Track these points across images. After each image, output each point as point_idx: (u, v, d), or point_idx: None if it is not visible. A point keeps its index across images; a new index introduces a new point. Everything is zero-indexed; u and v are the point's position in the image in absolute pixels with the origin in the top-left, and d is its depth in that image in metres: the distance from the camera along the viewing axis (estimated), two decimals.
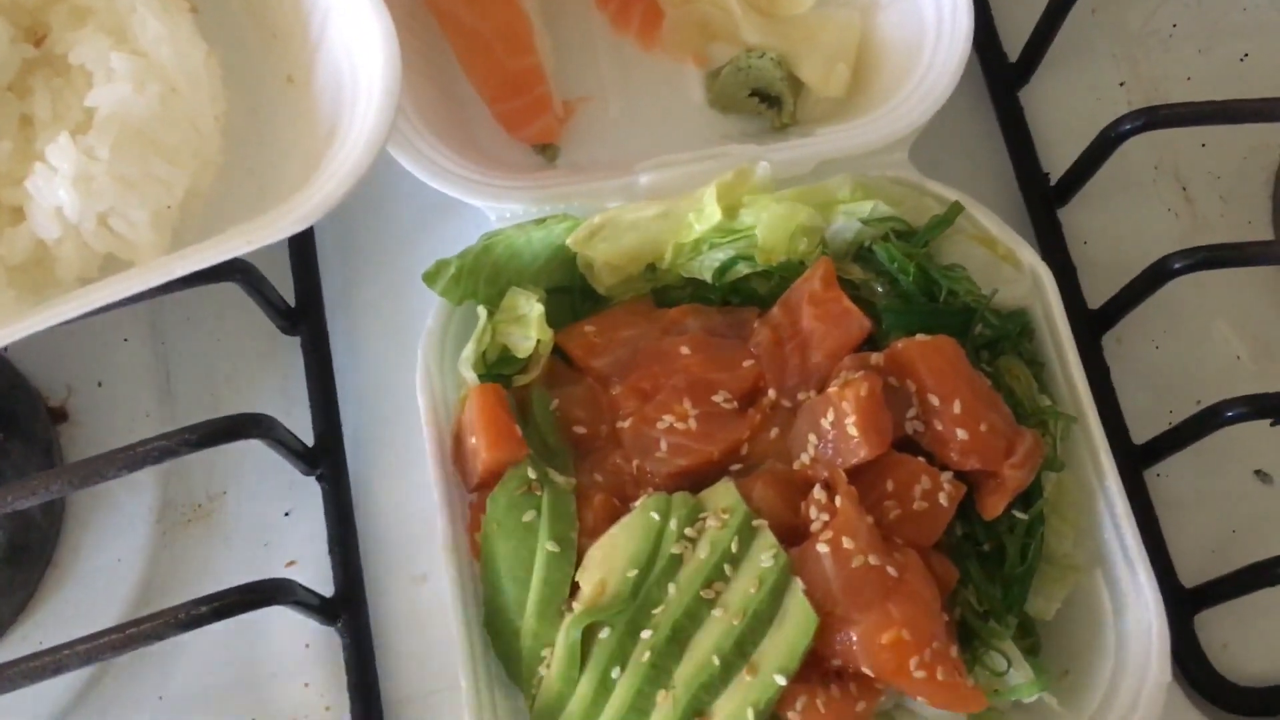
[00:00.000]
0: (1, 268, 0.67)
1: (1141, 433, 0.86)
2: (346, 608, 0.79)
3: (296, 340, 0.87)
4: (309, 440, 0.83)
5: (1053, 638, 0.76)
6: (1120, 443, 0.85)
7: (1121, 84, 1.00)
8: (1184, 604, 0.82)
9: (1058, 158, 0.94)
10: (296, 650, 0.81)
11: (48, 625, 0.80)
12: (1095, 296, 0.90)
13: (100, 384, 0.85)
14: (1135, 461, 0.85)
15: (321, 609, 0.77)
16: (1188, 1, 1.03)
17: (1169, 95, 0.99)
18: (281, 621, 0.81)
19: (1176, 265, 0.80)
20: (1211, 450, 0.84)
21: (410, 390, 0.80)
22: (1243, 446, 0.87)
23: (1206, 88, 0.99)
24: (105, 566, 0.81)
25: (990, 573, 0.72)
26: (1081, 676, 0.74)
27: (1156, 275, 0.82)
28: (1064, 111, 0.97)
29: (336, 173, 0.65)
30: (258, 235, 0.63)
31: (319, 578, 0.81)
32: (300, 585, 0.73)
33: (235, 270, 0.75)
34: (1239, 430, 0.78)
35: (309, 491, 0.84)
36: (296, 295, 0.86)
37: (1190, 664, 0.81)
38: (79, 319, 0.64)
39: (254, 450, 0.84)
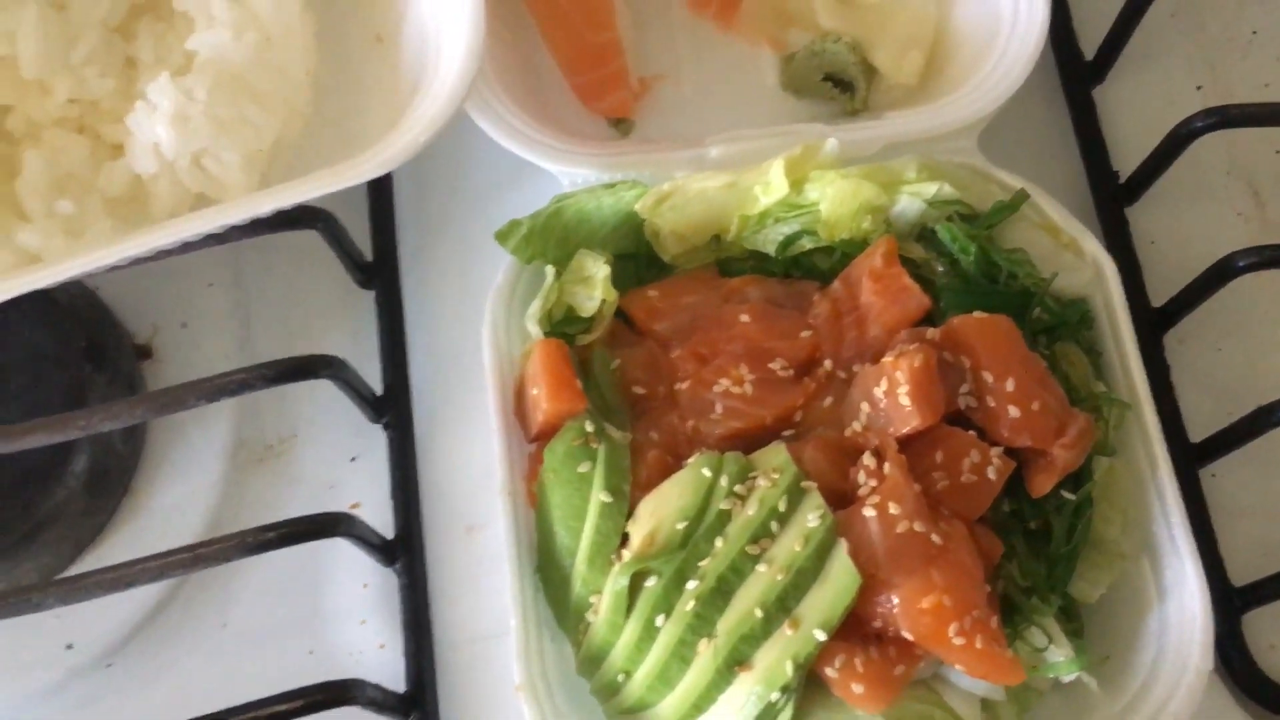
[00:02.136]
0: (100, 199, 0.70)
1: (1199, 434, 0.86)
2: (405, 551, 0.82)
3: (369, 295, 0.90)
4: (378, 390, 0.86)
5: (1095, 623, 0.76)
6: (1177, 440, 0.85)
7: (1198, 88, 1.00)
8: (1232, 602, 0.82)
9: (1128, 157, 0.94)
10: (355, 589, 0.84)
11: (121, 549, 0.83)
12: (1159, 296, 0.90)
13: (184, 325, 0.89)
14: (1191, 460, 0.85)
15: (381, 549, 0.80)
16: (1269, 7, 1.02)
17: (1246, 101, 0.98)
18: (342, 561, 0.84)
19: (1241, 263, 0.80)
20: (1268, 454, 0.84)
21: (475, 348, 0.82)
22: None
23: None
24: (179, 498, 0.85)
25: (1035, 550, 0.73)
26: (1122, 662, 0.74)
27: (1220, 273, 0.82)
28: (1137, 112, 0.98)
29: (419, 122, 0.68)
30: (343, 176, 0.66)
31: (380, 522, 0.84)
32: (363, 522, 0.76)
33: (318, 218, 0.78)
34: None
35: (374, 440, 0.87)
36: (373, 250, 0.90)
37: (1236, 662, 0.81)
38: (171, 249, 0.67)
39: (324, 397, 0.88)
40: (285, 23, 0.71)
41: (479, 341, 0.80)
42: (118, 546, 0.84)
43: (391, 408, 0.86)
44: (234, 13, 0.69)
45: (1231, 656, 0.81)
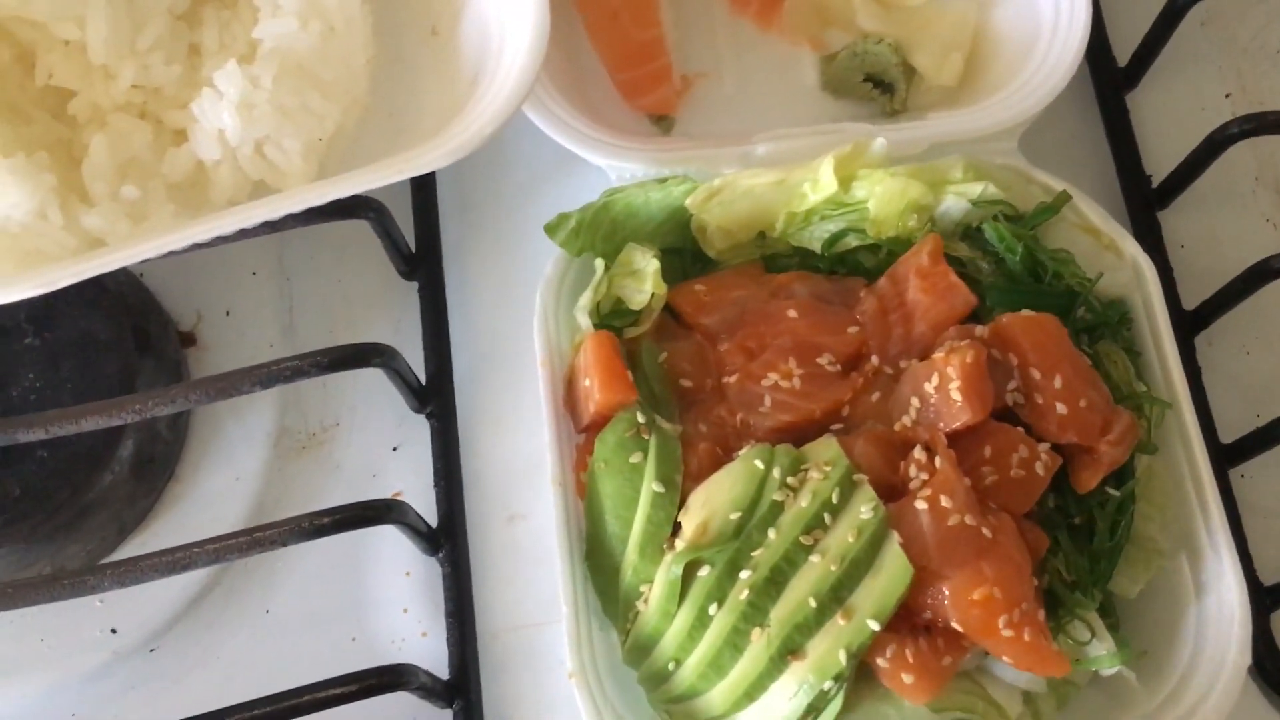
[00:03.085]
0: (163, 184, 0.71)
1: (1229, 435, 0.87)
2: (448, 539, 0.83)
3: (410, 287, 0.91)
4: (421, 380, 0.87)
5: (1133, 619, 0.77)
6: (1208, 442, 0.86)
7: (1227, 96, 1.01)
8: (1262, 601, 0.83)
9: (1160, 162, 0.96)
10: (398, 577, 0.84)
11: (166, 534, 0.84)
12: (1190, 299, 0.91)
13: (228, 313, 0.89)
14: (1222, 461, 0.86)
15: (426, 537, 0.80)
16: None
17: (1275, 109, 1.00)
18: (384, 549, 0.84)
19: (1278, 266, 0.82)
20: None
21: (517, 339, 0.83)
22: None
23: None
24: (222, 485, 0.85)
25: (1079, 545, 0.74)
26: (1160, 657, 0.75)
27: (1257, 276, 0.84)
28: (1169, 118, 0.99)
29: (485, 113, 0.68)
30: (409, 165, 0.67)
31: (422, 512, 0.84)
32: (411, 509, 0.77)
33: (370, 208, 0.78)
34: None
35: (417, 429, 0.88)
36: (416, 242, 0.90)
37: (1266, 661, 0.82)
38: (228, 235, 0.68)
39: (367, 387, 0.89)
40: (348, 13, 0.72)
41: (522, 332, 0.81)
42: (161, 532, 0.84)
43: (435, 397, 0.86)
44: (299, 2, 0.70)
45: (1262, 655, 0.82)
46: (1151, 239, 0.94)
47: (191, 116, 0.70)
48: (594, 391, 0.75)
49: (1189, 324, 0.91)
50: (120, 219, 0.68)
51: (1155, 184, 0.95)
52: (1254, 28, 1.04)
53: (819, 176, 0.79)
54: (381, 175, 0.67)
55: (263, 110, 0.69)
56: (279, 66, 0.69)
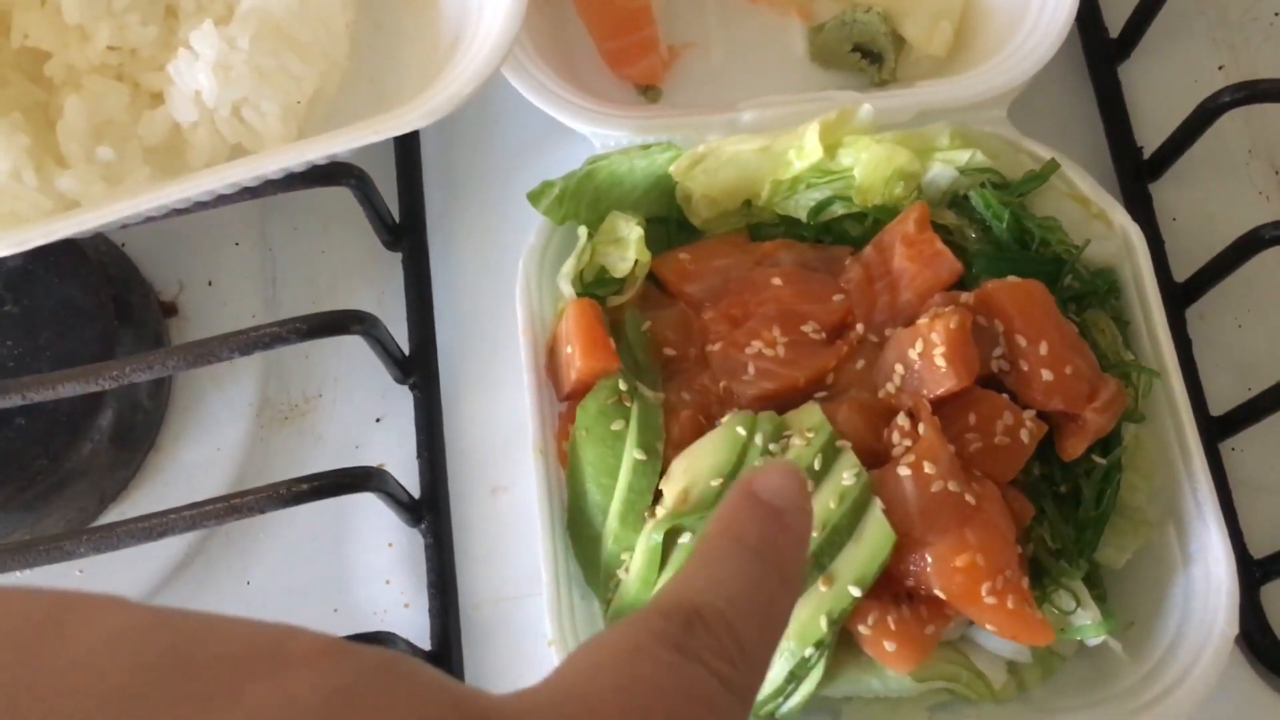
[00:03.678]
0: (139, 146, 0.70)
1: (1220, 408, 0.86)
2: (430, 511, 0.82)
3: (394, 258, 0.90)
4: (404, 351, 0.86)
5: (1120, 590, 0.77)
6: (1198, 414, 0.85)
7: (1220, 68, 1.01)
8: (1252, 574, 0.82)
9: (1151, 134, 0.95)
10: (380, 549, 0.84)
11: (146, 504, 0.83)
12: (1181, 272, 0.90)
13: (210, 283, 0.88)
14: (1212, 434, 0.86)
15: (409, 508, 0.80)
16: None
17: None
18: (366, 521, 0.84)
19: (1269, 235, 0.81)
20: None
21: (501, 310, 0.83)
22: None
23: None
24: (204, 455, 0.85)
25: (1065, 514, 0.73)
26: (1147, 627, 0.75)
27: (1248, 245, 0.83)
28: (1160, 90, 0.98)
29: (462, 74, 0.68)
30: (385, 127, 0.66)
31: (405, 483, 0.84)
32: (393, 478, 0.76)
33: (351, 174, 0.78)
34: None
35: (400, 401, 0.87)
36: (400, 212, 0.90)
37: (1256, 635, 0.81)
38: (206, 200, 0.67)
39: (350, 358, 0.88)
40: None
41: (505, 303, 0.80)
42: (142, 502, 0.84)
43: (418, 368, 0.86)
44: None
45: (1251, 628, 0.81)
46: (1143, 211, 0.93)
47: (168, 78, 0.69)
48: (575, 359, 0.74)
49: (1180, 296, 0.90)
50: (95, 181, 0.68)
51: (1147, 155, 0.94)
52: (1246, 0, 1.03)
53: (804, 143, 0.79)
54: (358, 136, 0.66)
55: (240, 72, 0.68)
56: (256, 27, 0.68)
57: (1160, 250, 0.91)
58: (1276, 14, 1.03)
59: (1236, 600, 0.72)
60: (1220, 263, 0.85)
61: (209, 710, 0.26)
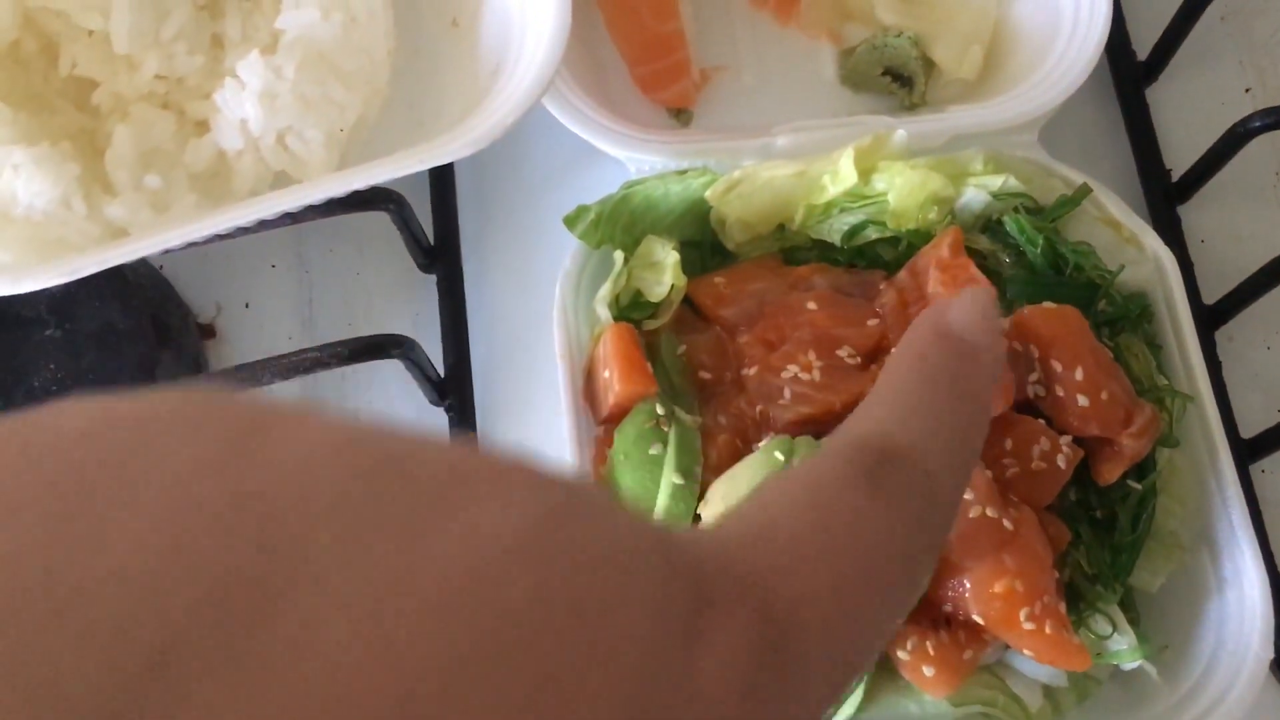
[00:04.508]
0: (185, 174, 0.71)
1: (1250, 431, 0.87)
2: None
3: (429, 280, 0.91)
4: (440, 374, 0.87)
5: (1154, 614, 0.77)
6: (1229, 436, 0.85)
7: (1247, 90, 1.01)
8: None
9: (1179, 157, 0.96)
10: None
11: None
12: (1210, 294, 0.91)
13: (247, 305, 0.89)
14: (1243, 456, 0.86)
15: None
16: None
17: None
18: None
19: None
20: None
21: (535, 333, 0.83)
22: None
23: None
24: None
25: (1101, 539, 0.74)
26: (1181, 651, 0.75)
27: (1278, 271, 0.83)
28: (1188, 112, 0.99)
29: (506, 103, 0.68)
30: (430, 156, 0.67)
31: None
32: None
33: (390, 200, 0.79)
34: None
35: (433, 424, 0.88)
36: (435, 235, 0.90)
37: None
38: (249, 226, 0.68)
39: (385, 381, 0.89)
40: (370, 4, 0.72)
41: (540, 326, 0.81)
42: None
43: (454, 391, 0.86)
44: None
45: None
46: (1171, 233, 0.93)
47: (214, 107, 0.70)
48: (613, 383, 0.75)
49: (1209, 319, 0.90)
50: (143, 208, 0.69)
51: (1175, 178, 0.95)
52: (1273, 23, 1.03)
53: (839, 168, 0.79)
54: (402, 166, 0.67)
55: (285, 100, 0.69)
56: (301, 56, 0.69)
57: (1190, 273, 0.92)
58: None
59: (1271, 625, 0.72)
60: (1249, 286, 0.86)
61: (426, 530, 0.24)
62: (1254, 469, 0.87)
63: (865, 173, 0.80)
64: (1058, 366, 0.72)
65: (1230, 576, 0.74)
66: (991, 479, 0.69)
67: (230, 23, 0.71)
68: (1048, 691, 0.73)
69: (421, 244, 0.87)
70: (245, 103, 0.69)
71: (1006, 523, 0.68)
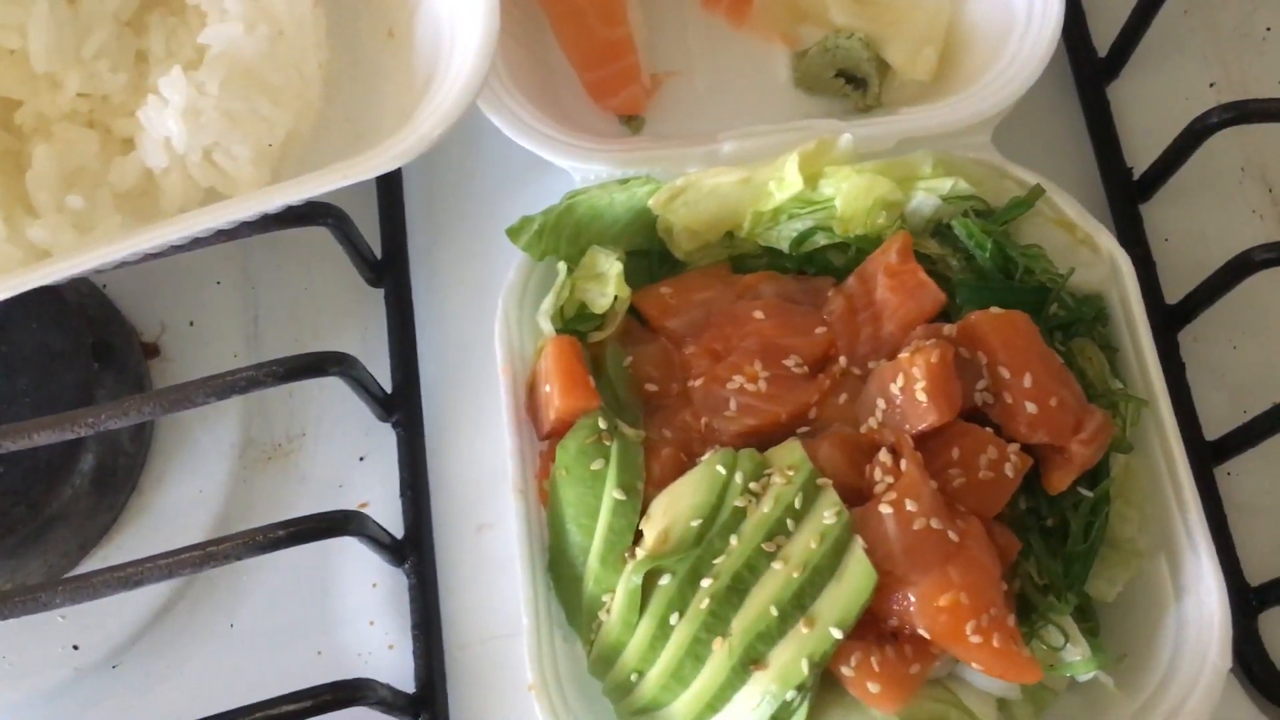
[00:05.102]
0: (110, 194, 0.70)
1: (1214, 432, 0.85)
2: (414, 550, 0.81)
3: (378, 294, 0.90)
4: (387, 389, 0.86)
5: (1112, 622, 0.76)
6: (1192, 439, 0.84)
7: (1211, 85, 0.99)
8: (1249, 602, 0.81)
9: (1141, 154, 0.94)
10: (363, 589, 0.83)
11: (129, 547, 0.83)
12: (1173, 293, 0.89)
13: (192, 323, 0.88)
14: (1207, 458, 0.84)
15: (391, 548, 0.79)
16: None
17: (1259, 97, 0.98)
18: (350, 561, 0.83)
19: (1259, 258, 0.80)
20: None
21: (484, 346, 0.82)
22: None
23: None
24: (187, 497, 0.84)
25: (1052, 548, 0.72)
26: (1139, 660, 0.74)
27: (1238, 268, 0.81)
28: (1151, 109, 0.97)
29: (432, 116, 0.67)
30: (356, 170, 0.65)
31: (389, 521, 0.83)
32: (373, 520, 0.76)
33: (329, 214, 0.77)
34: None
35: (383, 439, 0.86)
36: (382, 249, 0.89)
37: (1253, 663, 0.80)
38: (181, 244, 0.67)
39: (333, 397, 0.87)
40: (297, 16, 0.71)
41: (489, 340, 0.79)
42: (125, 545, 0.83)
43: (401, 406, 0.85)
44: (246, 6, 0.69)
45: (1248, 656, 0.80)
46: (1134, 232, 0.92)
47: (139, 124, 0.69)
48: (554, 398, 0.74)
49: (1173, 318, 0.88)
50: (65, 230, 0.67)
51: (1137, 176, 0.93)
52: (1238, 15, 1.02)
53: (784, 174, 0.78)
54: (329, 180, 0.66)
55: (210, 116, 0.68)
56: (226, 72, 0.68)
57: (1152, 272, 0.90)
58: (1269, 29, 1.01)
59: (1229, 634, 0.71)
60: (1211, 285, 0.84)
61: None
62: (1218, 471, 0.85)
63: (811, 178, 0.78)
64: (1006, 373, 0.71)
65: (1189, 584, 0.73)
66: (937, 490, 0.68)
67: (154, 38, 0.70)
68: (1002, 704, 0.72)
69: (367, 258, 0.85)
70: (168, 119, 0.67)
71: (952, 534, 0.67)
